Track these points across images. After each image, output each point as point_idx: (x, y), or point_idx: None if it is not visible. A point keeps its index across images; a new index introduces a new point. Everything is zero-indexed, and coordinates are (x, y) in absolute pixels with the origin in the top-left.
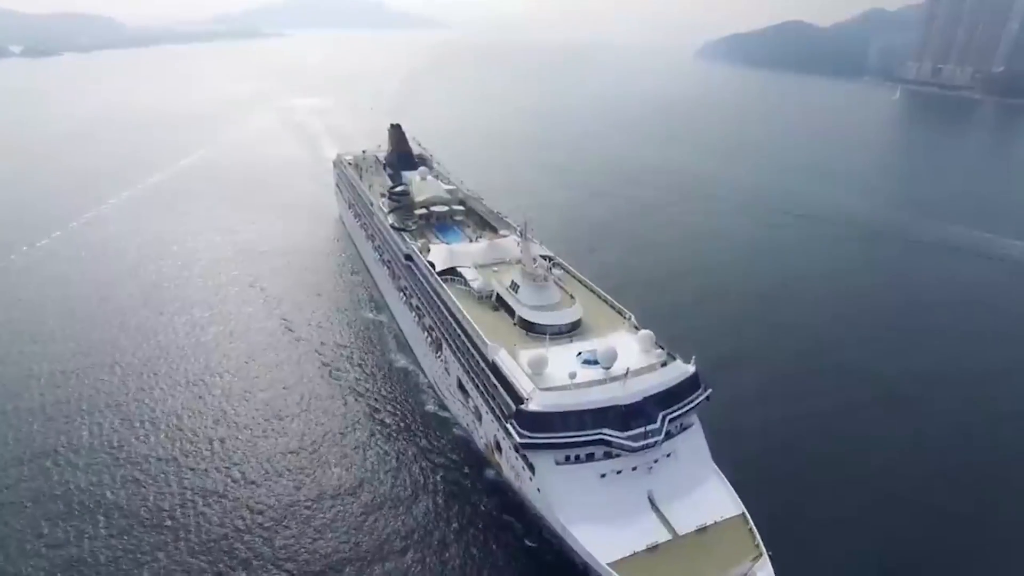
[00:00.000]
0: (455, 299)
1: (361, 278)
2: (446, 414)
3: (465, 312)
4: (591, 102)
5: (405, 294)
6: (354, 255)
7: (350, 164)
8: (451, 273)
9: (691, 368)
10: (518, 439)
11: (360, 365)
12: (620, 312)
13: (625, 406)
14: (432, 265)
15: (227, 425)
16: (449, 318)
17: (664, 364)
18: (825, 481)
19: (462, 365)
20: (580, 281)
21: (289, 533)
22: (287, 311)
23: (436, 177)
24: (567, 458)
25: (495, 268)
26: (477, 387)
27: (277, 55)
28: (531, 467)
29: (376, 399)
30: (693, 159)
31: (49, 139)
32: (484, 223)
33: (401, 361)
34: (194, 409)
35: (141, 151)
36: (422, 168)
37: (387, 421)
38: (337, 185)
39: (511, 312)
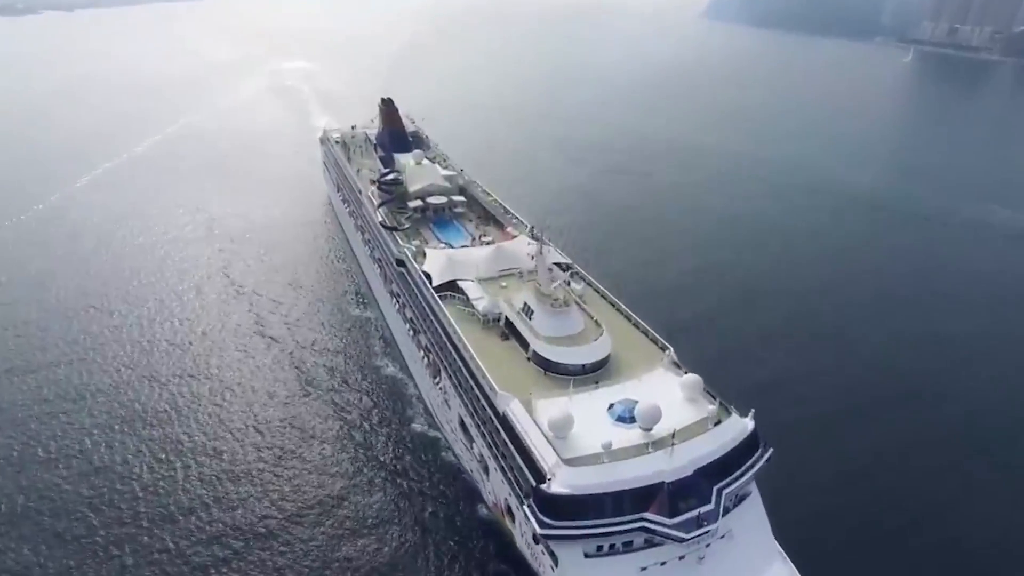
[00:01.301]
0: (456, 325)
1: (348, 266)
2: (436, 434)
3: (469, 344)
4: (592, 69)
5: (397, 300)
6: (342, 241)
7: (337, 143)
8: (451, 288)
9: (750, 424)
10: (538, 529)
11: (339, 372)
12: (655, 341)
13: (672, 483)
14: (428, 277)
15: (178, 440)
16: (449, 347)
17: (718, 422)
18: (912, 553)
19: (466, 406)
20: (604, 297)
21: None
22: (261, 305)
23: (433, 160)
24: (599, 548)
25: (503, 283)
26: (484, 437)
27: (265, 14)
28: (553, 556)
29: (355, 413)
30: (696, 128)
31: (23, 107)
32: (488, 216)
33: (388, 368)
34: (144, 421)
35: (122, 120)
36: (416, 151)
37: (367, 440)
38: (324, 164)
39: (524, 343)
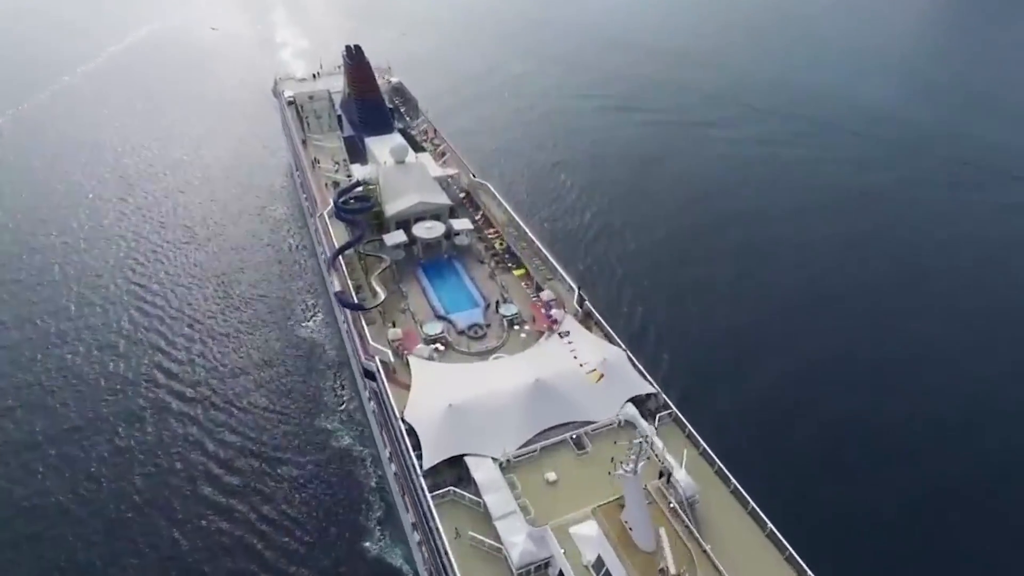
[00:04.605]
0: None
1: (306, 260)
2: (401, 564)
3: None
4: None
5: (373, 401)
6: (301, 224)
7: (290, 104)
8: (454, 469)
9: None
10: None
11: (268, 448)
12: None
13: None
14: (414, 437)
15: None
16: None
17: None
18: None
19: None
20: (718, 473)
21: None
22: (173, 323)
23: (421, 143)
24: None
25: (549, 472)
26: None
27: None
28: None
29: (283, 520)
30: (702, 43)
31: None
32: (508, 255)
33: (343, 438)
34: None
35: (46, 44)
36: (398, 143)
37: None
38: (283, 124)
39: None
